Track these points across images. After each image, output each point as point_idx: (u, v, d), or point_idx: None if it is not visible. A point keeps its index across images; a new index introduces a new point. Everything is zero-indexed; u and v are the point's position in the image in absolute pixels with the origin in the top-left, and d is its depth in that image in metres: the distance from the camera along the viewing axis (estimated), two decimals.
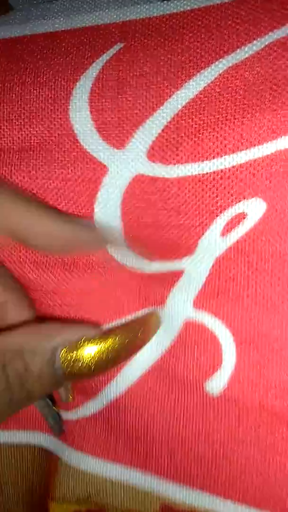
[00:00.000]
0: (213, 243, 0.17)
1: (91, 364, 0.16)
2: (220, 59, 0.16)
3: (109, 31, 0.17)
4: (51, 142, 0.17)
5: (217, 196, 0.16)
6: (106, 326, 0.19)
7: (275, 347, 0.17)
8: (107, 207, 0.17)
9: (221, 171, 0.16)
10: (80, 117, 0.17)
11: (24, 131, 0.17)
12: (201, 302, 0.17)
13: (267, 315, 0.17)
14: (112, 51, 0.17)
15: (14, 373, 0.14)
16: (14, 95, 0.17)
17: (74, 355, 0.16)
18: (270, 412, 0.17)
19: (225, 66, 0.16)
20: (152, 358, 0.19)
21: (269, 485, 0.18)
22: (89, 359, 0.16)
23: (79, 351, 0.16)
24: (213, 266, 0.17)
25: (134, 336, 0.17)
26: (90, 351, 0.16)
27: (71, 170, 0.17)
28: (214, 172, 0.16)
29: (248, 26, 0.15)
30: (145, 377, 0.19)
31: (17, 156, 0.17)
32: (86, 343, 0.16)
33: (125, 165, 0.16)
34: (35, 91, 0.17)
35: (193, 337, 0.18)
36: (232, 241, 0.17)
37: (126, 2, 0.17)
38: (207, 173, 0.16)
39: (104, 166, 0.17)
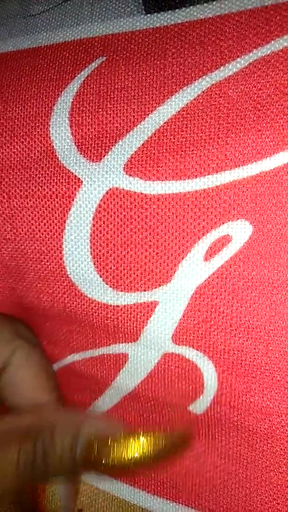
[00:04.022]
0: (195, 268, 0.17)
1: (111, 461, 0.16)
2: (204, 76, 0.16)
3: (91, 45, 0.18)
4: (30, 159, 0.18)
5: (199, 217, 0.17)
6: (77, 355, 0.19)
7: (257, 374, 0.17)
8: (78, 224, 0.17)
9: (204, 190, 0.16)
10: (60, 133, 0.18)
11: (5, 149, 0.18)
12: (180, 337, 0.18)
13: (251, 344, 0.17)
14: (93, 65, 0.18)
15: (41, 447, 0.16)
16: None
17: (101, 448, 0.16)
18: (251, 431, 0.18)
19: (209, 84, 0.16)
20: (124, 389, 0.20)
21: (251, 500, 0.18)
22: (112, 457, 0.16)
23: (105, 446, 0.16)
24: (193, 295, 0.17)
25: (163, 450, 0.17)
26: (116, 450, 0.16)
27: (47, 187, 0.18)
28: (196, 191, 0.17)
29: (232, 43, 0.16)
30: (123, 401, 0.20)
31: None
32: (113, 442, 0.16)
33: (99, 177, 0.17)
34: (17, 109, 0.18)
35: (172, 368, 0.18)
36: (216, 266, 0.17)
37: (109, 15, 0.18)
38: (188, 192, 0.17)
39: (78, 179, 0.17)
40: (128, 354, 0.19)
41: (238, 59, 0.16)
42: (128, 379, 0.19)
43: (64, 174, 0.18)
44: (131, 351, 0.18)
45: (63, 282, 0.18)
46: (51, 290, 0.19)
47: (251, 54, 0.16)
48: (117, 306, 0.18)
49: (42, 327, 0.20)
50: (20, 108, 0.18)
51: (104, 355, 0.19)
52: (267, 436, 0.17)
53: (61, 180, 0.18)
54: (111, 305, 0.18)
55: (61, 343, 0.20)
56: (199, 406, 0.18)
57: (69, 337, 0.20)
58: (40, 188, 0.18)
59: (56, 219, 0.18)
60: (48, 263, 0.18)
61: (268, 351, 0.16)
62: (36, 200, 0.18)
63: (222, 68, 0.16)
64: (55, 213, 0.18)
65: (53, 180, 0.18)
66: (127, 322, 0.18)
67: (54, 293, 0.19)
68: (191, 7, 0.17)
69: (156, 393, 0.19)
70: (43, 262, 0.18)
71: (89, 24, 0.18)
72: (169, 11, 0.17)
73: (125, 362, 0.19)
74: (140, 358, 0.18)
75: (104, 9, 0.18)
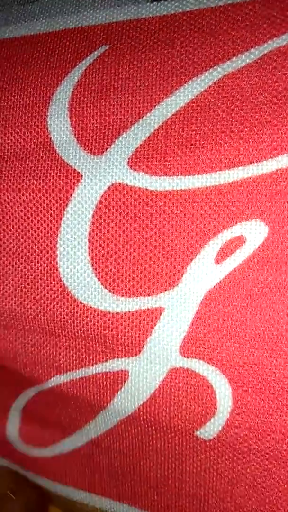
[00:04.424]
0: (205, 271, 0.15)
1: None
2: (215, 67, 0.15)
3: (93, 33, 0.17)
4: (26, 151, 0.17)
5: (210, 216, 0.15)
6: (63, 376, 0.17)
7: (277, 391, 0.15)
8: (76, 221, 0.16)
9: (215, 187, 0.15)
10: (59, 124, 0.17)
11: None
12: (189, 348, 0.16)
13: (269, 356, 0.16)
14: (96, 54, 0.17)
15: None
16: None
17: None
18: (268, 455, 0.16)
19: (220, 74, 0.15)
20: (122, 412, 0.18)
21: None
22: None
23: None
24: (203, 300, 0.15)
25: None
26: None
27: (42, 180, 0.17)
28: (206, 188, 0.15)
29: (245, 33, 0.15)
30: (120, 425, 0.18)
31: None
32: None
33: (101, 172, 0.16)
34: (12, 98, 0.17)
35: (180, 386, 0.16)
36: (229, 270, 0.15)
37: (112, 2, 0.17)
38: (198, 189, 0.16)
39: (78, 173, 0.16)
40: (129, 371, 0.17)
41: (252, 50, 0.15)
42: (127, 401, 0.17)
43: (62, 168, 0.16)
44: (132, 367, 0.17)
45: (54, 286, 0.17)
46: (39, 295, 0.17)
47: (265, 44, 0.15)
48: (117, 313, 0.16)
49: (21, 343, 0.18)
50: (16, 97, 0.17)
51: (99, 374, 0.17)
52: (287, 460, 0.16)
53: (58, 174, 0.16)
54: (110, 313, 0.16)
55: (44, 362, 0.18)
56: (210, 430, 0.16)
57: (55, 354, 0.18)
58: (35, 181, 0.16)
59: (51, 216, 0.16)
60: (39, 264, 0.17)
61: (285, 363, 0.15)
62: (29, 195, 0.17)
63: (234, 58, 0.16)
64: (50, 209, 0.16)
65: (50, 173, 0.16)
66: (128, 332, 0.16)
67: (43, 299, 0.17)
68: None
69: (159, 416, 0.17)
70: (33, 263, 0.17)
71: (91, 11, 0.18)
72: None
73: (125, 381, 0.17)
74: (143, 376, 0.17)
75: None
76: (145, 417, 0.17)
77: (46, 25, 0.18)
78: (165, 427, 0.17)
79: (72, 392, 0.18)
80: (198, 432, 0.16)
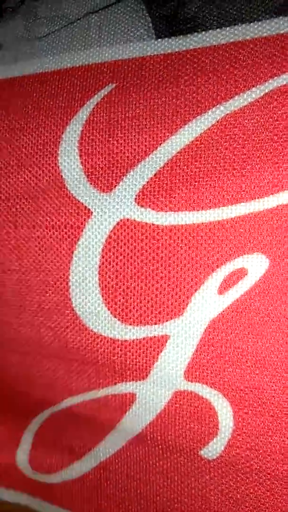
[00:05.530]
0: (208, 301, 0.17)
1: None
2: (218, 105, 0.16)
3: (100, 71, 0.18)
4: (38, 189, 0.18)
5: (213, 249, 0.16)
6: (75, 398, 0.19)
7: (276, 413, 0.17)
8: (87, 255, 0.17)
9: (218, 222, 0.16)
10: (69, 162, 0.18)
11: (12, 179, 0.18)
12: (193, 373, 0.17)
13: (269, 381, 0.17)
14: (103, 92, 0.18)
15: None
16: (3, 141, 0.18)
17: None
18: (270, 475, 0.17)
19: (223, 113, 0.16)
20: (130, 432, 0.19)
21: None
22: None
23: None
24: (207, 329, 0.17)
25: None
26: None
27: (55, 217, 0.18)
28: (210, 223, 0.16)
29: (247, 72, 0.16)
30: (128, 446, 0.20)
31: (3, 205, 0.18)
32: None
33: (110, 208, 0.17)
34: (24, 137, 0.18)
35: (184, 407, 0.18)
36: (231, 300, 0.17)
37: (117, 39, 0.18)
38: (202, 223, 0.17)
39: (89, 210, 0.17)
40: (136, 394, 0.18)
41: (254, 89, 0.16)
42: (134, 421, 0.18)
43: (73, 205, 0.17)
44: (139, 390, 0.18)
45: (68, 315, 0.18)
46: (54, 323, 0.18)
47: (266, 84, 0.16)
48: (125, 340, 0.18)
49: (37, 368, 0.20)
50: (27, 136, 0.18)
51: (109, 396, 0.19)
52: None
53: (70, 211, 0.17)
54: (118, 340, 0.18)
55: (58, 385, 0.19)
56: (213, 449, 0.18)
57: (68, 378, 0.19)
58: (48, 218, 0.18)
59: (63, 250, 0.18)
60: (53, 295, 0.18)
61: (286, 388, 0.16)
62: (43, 230, 0.18)
63: (237, 97, 0.16)
64: (63, 243, 0.18)
65: (62, 210, 0.18)
66: (136, 358, 0.18)
67: (57, 327, 0.18)
68: (203, 32, 0.17)
69: (165, 436, 0.18)
70: (47, 294, 0.18)
71: (97, 48, 0.18)
72: (181, 36, 0.17)
73: (132, 403, 0.18)
74: (149, 398, 0.18)
75: (112, 33, 0.18)
76: (151, 436, 0.18)
77: (54, 63, 0.19)
78: (170, 446, 0.18)
79: (83, 413, 0.19)
80: (202, 451, 0.18)
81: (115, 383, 0.18)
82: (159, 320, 0.17)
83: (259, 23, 0.16)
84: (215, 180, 0.16)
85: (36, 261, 0.18)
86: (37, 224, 0.18)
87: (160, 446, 0.19)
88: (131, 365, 0.18)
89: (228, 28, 0.17)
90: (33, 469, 0.22)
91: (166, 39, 0.17)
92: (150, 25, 0.18)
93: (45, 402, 0.20)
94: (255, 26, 0.16)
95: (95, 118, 0.17)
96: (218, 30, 0.17)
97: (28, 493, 0.23)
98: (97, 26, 0.18)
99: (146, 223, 0.17)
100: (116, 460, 0.20)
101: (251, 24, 0.16)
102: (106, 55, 0.18)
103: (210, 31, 0.17)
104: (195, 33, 0.17)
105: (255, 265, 0.16)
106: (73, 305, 0.18)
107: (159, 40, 0.17)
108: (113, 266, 0.17)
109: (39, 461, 0.22)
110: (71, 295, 0.18)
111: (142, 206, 0.17)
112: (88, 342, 0.18)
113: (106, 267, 0.17)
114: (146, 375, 0.18)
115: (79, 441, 0.20)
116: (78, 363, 0.19)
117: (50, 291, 0.18)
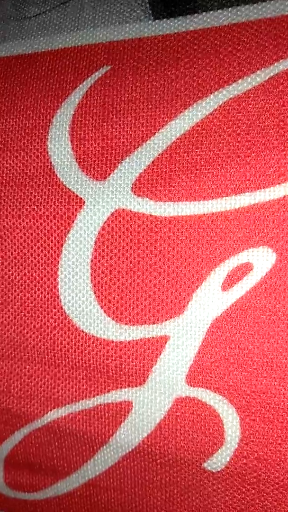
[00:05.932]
0: (211, 298, 0.15)
1: None
2: (220, 89, 0.15)
3: (94, 53, 0.17)
4: (25, 175, 0.17)
5: (216, 242, 0.15)
6: (61, 410, 0.17)
7: (286, 419, 0.15)
8: (78, 248, 0.16)
9: (221, 213, 0.15)
10: (59, 148, 0.16)
11: None
12: (195, 377, 0.16)
13: (276, 384, 0.16)
14: (97, 75, 0.17)
15: None
16: None
17: None
18: (278, 485, 0.16)
19: (226, 98, 0.15)
20: (125, 446, 0.18)
21: None
22: None
23: None
24: (209, 328, 0.15)
25: None
26: None
27: (43, 206, 0.16)
28: (212, 214, 0.15)
29: (251, 54, 0.15)
30: (122, 462, 0.18)
31: None
32: None
33: (104, 198, 0.16)
34: (11, 121, 0.17)
35: (186, 416, 0.16)
36: (236, 297, 0.15)
37: (112, 19, 0.17)
38: (204, 215, 0.15)
39: (80, 199, 0.16)
40: (132, 401, 0.17)
41: (258, 72, 0.15)
42: (131, 434, 0.17)
43: (63, 193, 0.16)
44: (136, 397, 0.17)
45: (55, 315, 0.17)
46: (39, 323, 0.17)
47: (271, 67, 0.15)
48: (121, 342, 0.16)
49: (17, 375, 0.18)
50: (14, 120, 0.17)
51: (101, 406, 0.17)
52: None
53: (60, 200, 0.16)
54: (113, 341, 0.16)
55: (41, 395, 0.18)
56: (218, 461, 0.16)
57: (54, 385, 0.17)
58: (35, 207, 0.16)
59: (52, 242, 0.16)
60: (39, 292, 0.17)
61: None
62: (30, 221, 0.16)
63: (240, 81, 0.15)
64: (51, 235, 0.16)
65: (51, 199, 0.16)
66: (132, 362, 0.16)
67: (43, 328, 0.17)
68: (204, 13, 0.16)
69: (165, 448, 0.17)
70: (33, 291, 0.17)
71: (91, 29, 0.17)
72: (180, 17, 0.16)
73: (128, 413, 0.17)
74: (147, 406, 0.17)
75: (107, 13, 0.17)
76: (149, 450, 0.17)
77: (45, 43, 0.18)
78: (171, 460, 0.17)
79: (70, 428, 0.18)
80: (205, 464, 0.16)
81: (109, 390, 0.17)
82: (158, 320, 0.16)
83: (263, 3, 0.15)
84: (217, 169, 0.15)
85: (21, 254, 0.17)
86: (23, 213, 0.16)
87: (158, 461, 0.17)
88: (126, 370, 0.16)
89: (230, 9, 0.16)
90: (12, 489, 0.20)
91: (165, 20, 0.16)
92: (147, 5, 0.17)
93: (22, 417, 0.18)
94: (259, 7, 0.15)
95: (88, 102, 0.16)
96: (219, 11, 0.16)
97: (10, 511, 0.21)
98: (91, 6, 0.17)
99: (143, 214, 0.16)
100: (108, 477, 0.18)
101: (255, 5, 0.15)
102: (101, 36, 0.17)
103: (211, 12, 0.16)
104: (195, 14, 0.16)
105: (261, 259, 0.15)
106: (62, 303, 0.16)
107: (157, 21, 0.17)
108: (106, 260, 0.16)
109: (17, 481, 0.20)
110: (59, 292, 0.16)
111: (138, 195, 0.16)
112: (79, 344, 0.17)
113: (99, 261, 0.16)
114: (144, 381, 0.16)
115: (63, 462, 0.19)
116: (66, 368, 0.17)
117: (36, 288, 0.17)
